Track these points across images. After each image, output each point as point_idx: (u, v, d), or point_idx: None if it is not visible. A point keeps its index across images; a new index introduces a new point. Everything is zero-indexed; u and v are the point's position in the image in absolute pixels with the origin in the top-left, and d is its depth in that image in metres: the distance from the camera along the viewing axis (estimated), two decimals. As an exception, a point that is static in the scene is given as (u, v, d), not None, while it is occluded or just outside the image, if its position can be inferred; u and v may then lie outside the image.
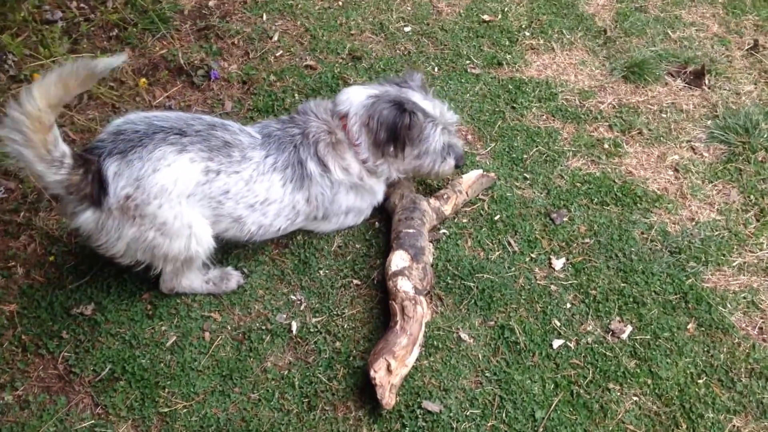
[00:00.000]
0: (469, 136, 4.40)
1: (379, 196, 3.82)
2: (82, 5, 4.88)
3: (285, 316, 3.52)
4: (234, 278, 3.60)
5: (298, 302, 3.57)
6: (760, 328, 3.56)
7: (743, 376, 3.38)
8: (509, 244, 3.84)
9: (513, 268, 3.73)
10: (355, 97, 3.62)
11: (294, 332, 3.46)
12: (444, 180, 4.00)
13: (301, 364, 3.36)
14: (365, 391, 3.23)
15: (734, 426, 3.21)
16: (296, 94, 4.53)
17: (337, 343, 3.43)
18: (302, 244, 3.78)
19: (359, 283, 3.66)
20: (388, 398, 3.12)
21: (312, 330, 3.47)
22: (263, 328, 3.47)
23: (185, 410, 3.19)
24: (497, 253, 3.80)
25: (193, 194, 3.20)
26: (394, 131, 3.52)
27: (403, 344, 3.19)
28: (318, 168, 3.52)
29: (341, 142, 3.57)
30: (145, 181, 3.06)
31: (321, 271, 3.69)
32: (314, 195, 3.56)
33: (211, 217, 3.33)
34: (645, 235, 3.92)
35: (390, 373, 3.12)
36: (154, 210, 3.10)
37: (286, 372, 3.33)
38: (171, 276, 3.43)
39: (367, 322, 3.51)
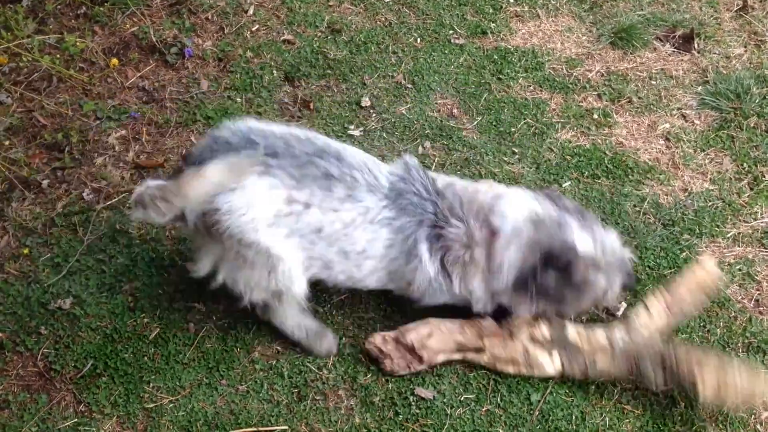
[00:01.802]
0: (455, 110, 4.27)
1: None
2: (47, -18, 4.67)
3: (271, 303, 3.42)
4: (328, 341, 3.26)
5: (285, 289, 3.47)
6: (756, 301, 3.50)
7: (741, 350, 3.32)
8: (499, 221, 3.74)
9: (504, 247, 3.64)
10: (512, 212, 3.01)
11: (281, 320, 3.36)
12: None
13: (290, 353, 3.26)
14: (356, 379, 3.17)
15: (733, 403, 3.16)
16: (275, 71, 4.38)
17: (326, 331, 3.35)
18: (286, 228, 3.67)
19: (346, 267, 3.56)
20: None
21: (299, 317, 3.38)
22: (249, 317, 3.36)
23: (171, 405, 3.11)
24: (487, 231, 3.70)
25: (275, 224, 2.88)
26: (561, 295, 3.05)
27: None
28: (433, 269, 3.02)
29: (476, 263, 3.00)
30: (219, 197, 2.82)
31: (307, 256, 3.59)
32: (417, 282, 3.08)
33: (304, 260, 3.01)
34: (637, 208, 3.83)
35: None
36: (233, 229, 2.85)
37: (274, 362, 3.24)
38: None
39: (356, 307, 3.42)
